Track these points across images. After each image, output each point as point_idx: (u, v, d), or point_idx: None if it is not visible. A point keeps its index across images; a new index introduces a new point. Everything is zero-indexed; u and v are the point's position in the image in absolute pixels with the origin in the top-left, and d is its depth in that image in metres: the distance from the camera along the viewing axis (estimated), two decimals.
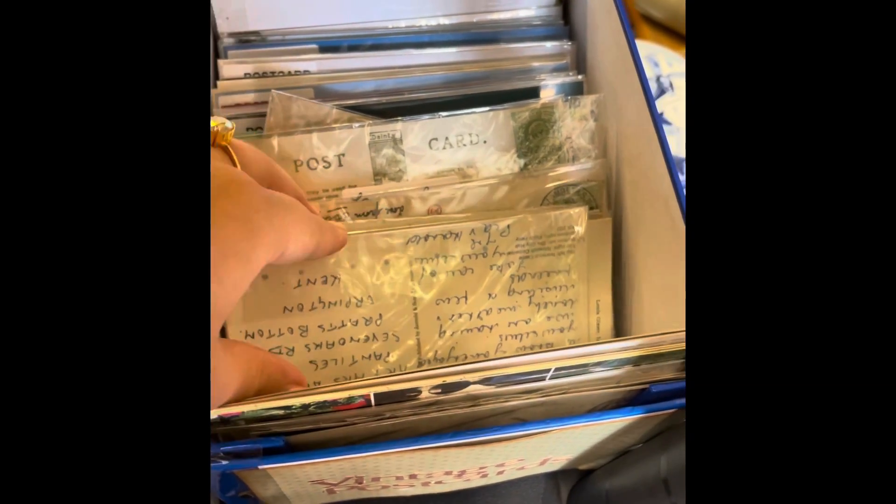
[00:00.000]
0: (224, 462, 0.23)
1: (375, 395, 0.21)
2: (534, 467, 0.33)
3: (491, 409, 0.24)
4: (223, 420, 0.22)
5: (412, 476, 0.29)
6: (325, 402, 0.21)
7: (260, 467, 0.23)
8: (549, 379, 0.23)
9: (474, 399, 0.23)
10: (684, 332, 0.22)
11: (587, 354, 0.22)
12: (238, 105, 0.35)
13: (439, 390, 0.22)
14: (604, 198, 0.35)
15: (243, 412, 0.21)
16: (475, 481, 0.34)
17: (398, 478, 0.29)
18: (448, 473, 0.30)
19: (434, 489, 0.34)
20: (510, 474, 0.34)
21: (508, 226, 0.32)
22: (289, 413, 0.22)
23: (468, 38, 0.38)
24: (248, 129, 0.34)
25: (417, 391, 0.22)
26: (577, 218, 0.33)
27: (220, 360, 0.20)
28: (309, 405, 0.21)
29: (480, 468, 0.30)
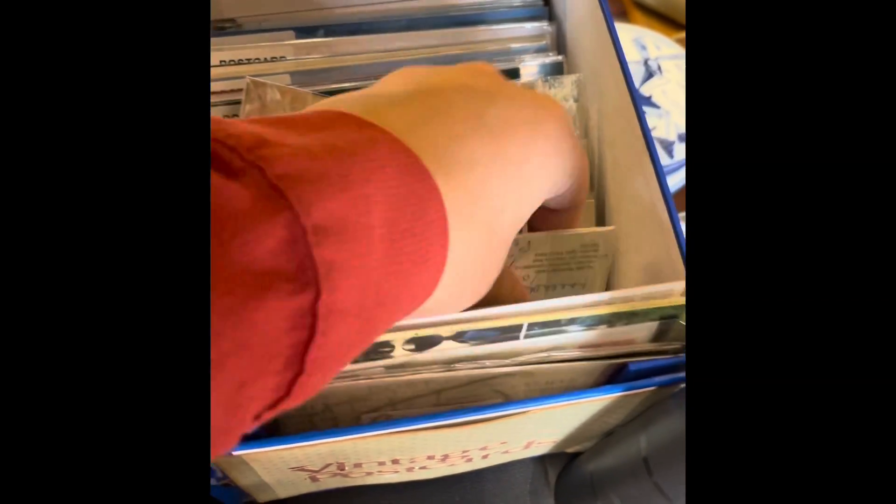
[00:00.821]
0: None
1: None
2: (519, 451, 0.33)
3: (468, 376, 0.24)
4: None
5: (395, 461, 0.29)
6: None
7: (235, 453, 0.23)
8: (524, 338, 0.22)
9: (449, 363, 0.23)
10: (654, 287, 0.23)
11: (559, 308, 0.22)
12: (214, 93, 0.34)
13: (413, 346, 0.22)
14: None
15: None
16: (460, 466, 0.34)
17: (381, 463, 0.29)
18: (431, 458, 0.30)
19: (419, 475, 0.34)
20: (495, 458, 0.34)
21: (529, 242, 0.30)
22: None
23: (448, 20, 0.37)
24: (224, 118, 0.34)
25: (391, 346, 0.22)
26: (606, 236, 0.31)
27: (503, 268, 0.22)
28: None
29: (464, 452, 0.30)
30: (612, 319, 0.22)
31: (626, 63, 0.32)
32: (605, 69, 0.33)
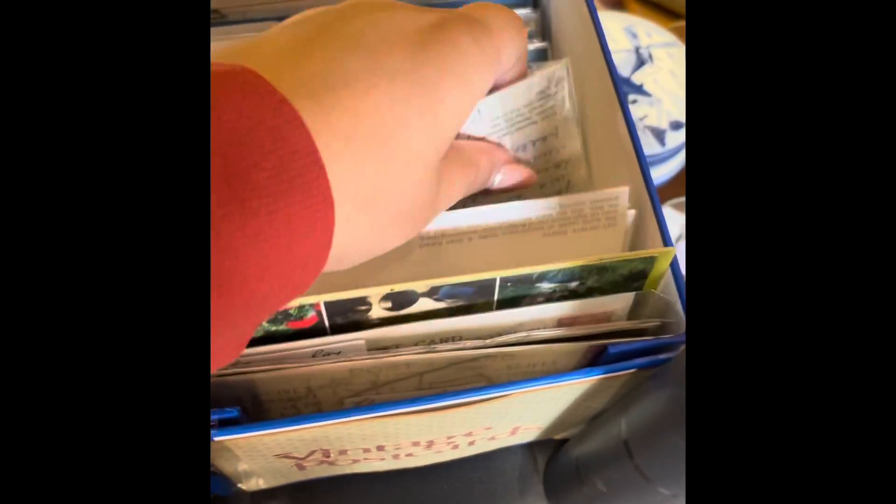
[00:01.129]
0: None
1: (326, 304, 0.22)
2: (505, 437, 0.33)
3: (448, 358, 0.24)
4: None
5: (380, 448, 0.29)
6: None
7: (216, 439, 0.23)
8: (498, 294, 0.23)
9: (430, 343, 0.23)
10: (602, 192, 0.25)
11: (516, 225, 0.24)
12: None
13: (389, 304, 0.22)
14: None
15: None
16: (447, 453, 0.34)
17: (366, 450, 0.29)
18: (416, 444, 0.30)
19: (406, 463, 0.34)
20: (482, 445, 0.34)
21: (479, 110, 0.27)
22: None
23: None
24: None
25: (367, 303, 0.22)
26: (556, 69, 0.29)
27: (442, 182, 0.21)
28: None
29: (449, 438, 0.30)
30: (582, 274, 0.23)
31: (608, 49, 0.32)
32: (588, 55, 0.33)
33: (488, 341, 0.24)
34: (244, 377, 0.24)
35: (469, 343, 0.24)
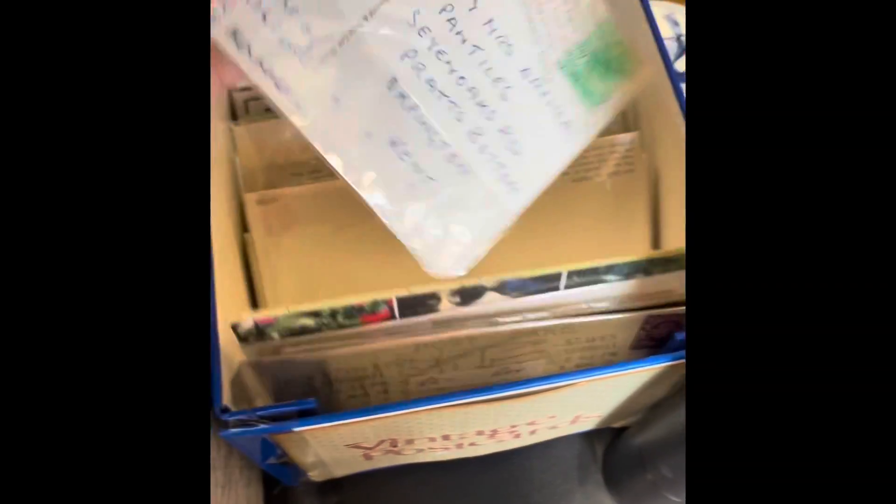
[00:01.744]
0: (261, 426, 0.24)
1: (398, 299, 0.23)
2: (566, 426, 0.34)
3: (511, 331, 0.25)
4: (259, 331, 0.23)
5: (445, 437, 0.30)
6: (351, 307, 0.23)
7: (295, 430, 0.24)
8: (564, 288, 0.23)
9: (492, 318, 0.24)
10: (619, 143, 0.26)
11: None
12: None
13: (458, 299, 0.23)
14: None
15: (277, 318, 0.23)
16: (509, 442, 0.34)
17: (431, 439, 0.30)
18: (481, 434, 0.30)
19: (469, 452, 0.34)
20: (543, 434, 0.34)
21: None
22: (319, 324, 0.24)
23: None
24: (266, 110, 0.35)
25: (437, 297, 0.23)
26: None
27: None
28: (336, 310, 0.23)
29: (512, 427, 0.31)
30: (648, 267, 0.23)
31: (660, 36, 0.32)
32: (638, 43, 0.33)
33: (547, 313, 0.25)
34: (317, 354, 0.25)
35: (531, 315, 0.25)
